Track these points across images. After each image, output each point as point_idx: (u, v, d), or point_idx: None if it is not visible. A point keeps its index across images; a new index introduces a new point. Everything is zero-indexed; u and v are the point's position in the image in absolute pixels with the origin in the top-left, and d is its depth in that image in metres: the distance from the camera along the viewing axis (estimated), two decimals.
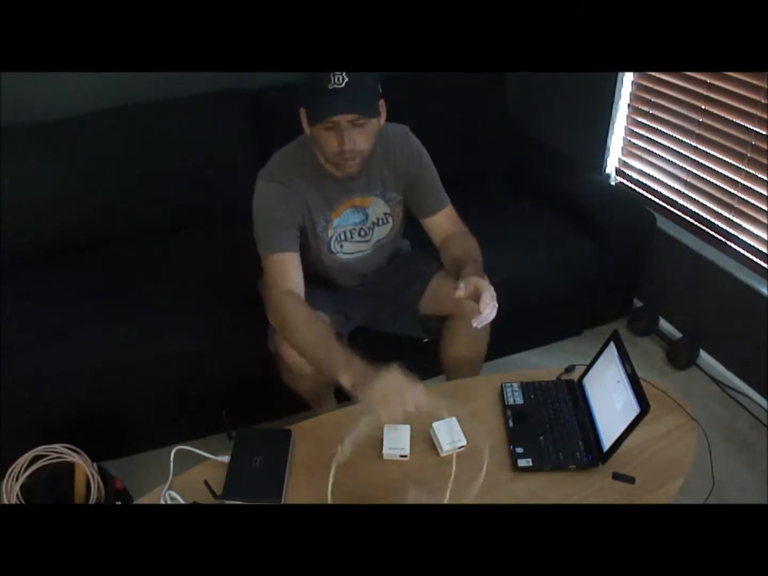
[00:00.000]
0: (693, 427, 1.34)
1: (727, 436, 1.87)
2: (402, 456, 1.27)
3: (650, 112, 2.13)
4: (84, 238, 1.99)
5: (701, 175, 2.01)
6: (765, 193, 1.80)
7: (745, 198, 1.88)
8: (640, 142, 2.22)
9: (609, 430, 1.25)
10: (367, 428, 1.12)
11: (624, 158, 2.32)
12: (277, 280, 1.37)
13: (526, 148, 2.44)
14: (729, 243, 1.97)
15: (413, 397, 1.10)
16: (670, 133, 2.07)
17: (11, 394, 1.56)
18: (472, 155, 2.32)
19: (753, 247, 1.90)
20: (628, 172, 2.32)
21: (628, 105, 2.23)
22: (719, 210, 1.98)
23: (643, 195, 2.26)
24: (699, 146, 1.98)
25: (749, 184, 1.85)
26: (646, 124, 2.17)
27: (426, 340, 1.70)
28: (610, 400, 1.28)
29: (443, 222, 1.53)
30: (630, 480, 1.22)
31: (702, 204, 2.04)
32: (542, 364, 2.11)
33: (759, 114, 1.76)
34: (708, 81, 1.88)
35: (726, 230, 1.97)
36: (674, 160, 2.09)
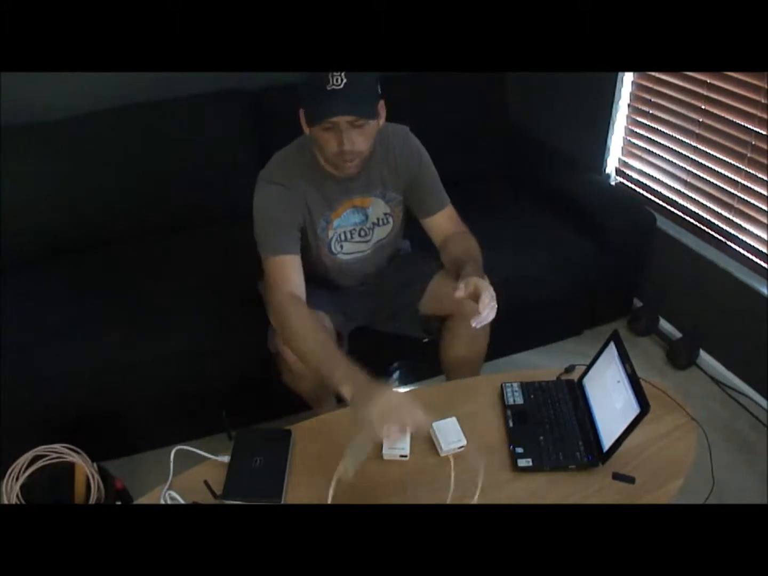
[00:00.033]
0: (693, 427, 1.34)
1: (727, 436, 1.87)
2: (402, 456, 1.27)
3: (650, 112, 2.13)
4: (84, 238, 1.99)
5: (701, 175, 2.01)
6: (765, 193, 1.80)
7: (745, 198, 1.88)
8: (640, 142, 2.22)
9: (609, 430, 1.25)
10: (368, 446, 1.13)
11: (624, 158, 2.32)
12: (279, 283, 1.37)
13: (526, 148, 2.44)
14: (729, 243, 1.97)
15: (412, 417, 1.11)
16: (670, 133, 2.07)
17: (11, 394, 1.57)
18: (472, 155, 2.32)
19: (753, 247, 1.90)
20: (628, 172, 2.32)
21: (628, 105, 2.23)
22: (719, 210, 1.98)
23: (643, 195, 2.26)
24: (699, 146, 1.98)
25: (749, 184, 1.85)
26: (646, 124, 2.17)
27: (426, 340, 1.70)
28: (610, 400, 1.28)
29: (443, 222, 1.54)
30: (630, 480, 1.22)
31: (702, 204, 2.04)
32: (542, 364, 2.11)
33: (759, 114, 1.76)
34: (708, 81, 1.88)
35: (726, 230, 1.97)
36: (674, 160, 2.09)
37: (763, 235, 1.85)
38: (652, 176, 2.21)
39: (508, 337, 1.79)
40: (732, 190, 1.91)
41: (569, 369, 1.48)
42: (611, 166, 2.39)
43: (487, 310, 1.27)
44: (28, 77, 1.83)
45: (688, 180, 2.06)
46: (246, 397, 1.79)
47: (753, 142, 1.80)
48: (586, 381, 1.40)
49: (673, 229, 2.14)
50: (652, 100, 2.11)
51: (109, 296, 1.81)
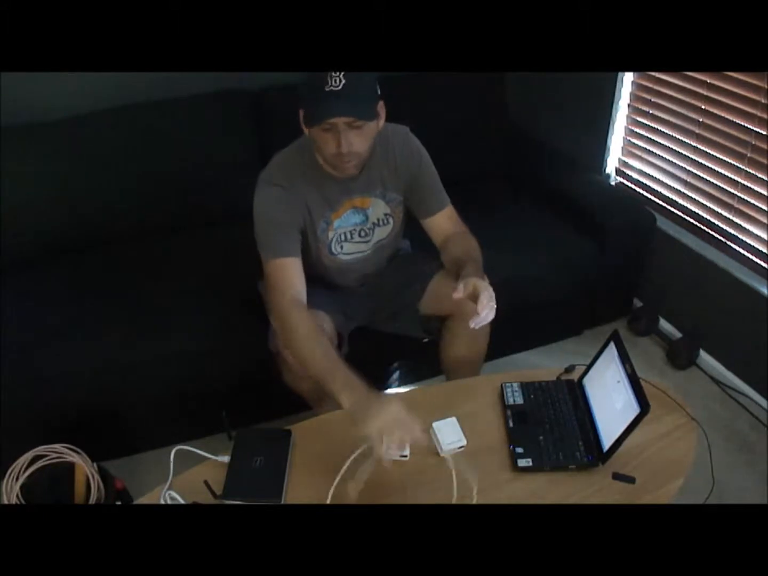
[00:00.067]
0: (693, 427, 1.34)
1: (727, 436, 1.87)
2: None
3: (650, 112, 2.13)
4: (84, 238, 1.99)
5: (701, 175, 2.01)
6: (765, 193, 1.80)
7: (745, 198, 1.88)
8: (640, 142, 2.22)
9: (609, 430, 1.25)
10: (370, 466, 1.13)
11: (624, 158, 2.32)
12: (280, 286, 1.37)
13: (526, 148, 2.44)
14: (729, 243, 1.97)
15: (411, 434, 1.11)
16: (670, 133, 2.07)
17: (11, 394, 1.56)
18: (472, 155, 2.32)
19: (753, 247, 1.90)
20: (628, 172, 2.32)
21: (628, 105, 2.23)
22: (719, 210, 1.98)
23: (643, 195, 2.26)
24: (699, 146, 1.98)
25: (749, 184, 1.85)
26: (646, 124, 2.17)
27: (426, 340, 1.70)
28: (610, 400, 1.28)
29: (443, 222, 1.54)
30: (630, 480, 1.22)
31: (702, 204, 2.04)
32: (542, 364, 2.11)
33: (759, 114, 1.76)
34: (708, 81, 1.88)
35: (726, 230, 1.97)
36: (674, 160, 2.09)
37: (763, 235, 1.85)
38: (652, 176, 2.21)
39: (508, 337, 1.80)
40: (732, 190, 1.91)
41: (569, 369, 1.48)
42: (611, 166, 2.38)
43: (486, 310, 1.27)
44: (28, 77, 1.83)
45: (688, 180, 2.06)
46: (246, 397, 1.79)
47: (753, 142, 1.80)
48: (586, 381, 1.40)
49: (673, 229, 2.14)
50: (652, 100, 2.11)
51: (109, 296, 1.81)
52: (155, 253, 1.99)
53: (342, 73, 1.20)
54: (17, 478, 1.39)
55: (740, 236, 1.93)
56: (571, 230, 2.08)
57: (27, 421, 1.64)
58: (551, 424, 1.33)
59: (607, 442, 1.24)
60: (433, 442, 1.29)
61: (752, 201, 1.86)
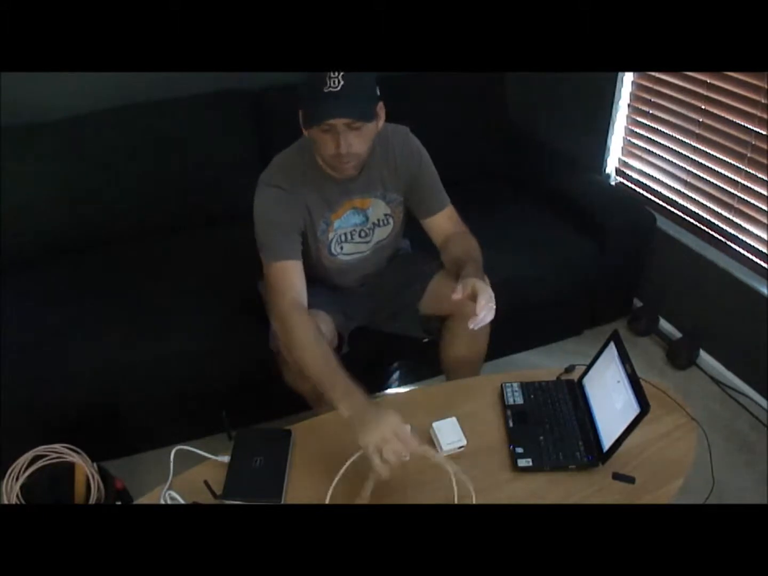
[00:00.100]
0: (693, 427, 1.34)
1: (727, 436, 1.87)
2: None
3: (650, 112, 2.13)
4: (84, 238, 1.99)
5: (701, 175, 2.01)
6: (765, 193, 1.80)
7: (745, 198, 1.88)
8: (640, 142, 2.22)
9: (609, 430, 1.25)
10: (372, 480, 1.14)
11: (624, 158, 2.32)
12: (282, 290, 1.37)
13: (526, 148, 2.44)
14: (729, 243, 1.97)
15: (408, 445, 1.12)
16: (670, 133, 2.07)
17: (11, 394, 1.56)
18: (472, 155, 2.32)
19: (753, 247, 1.90)
20: (628, 172, 2.32)
21: (628, 105, 2.23)
22: (719, 210, 1.98)
23: (643, 195, 2.26)
24: (699, 146, 1.98)
25: (749, 184, 1.85)
26: (646, 124, 2.17)
27: (426, 340, 1.71)
28: (610, 400, 1.28)
29: (443, 222, 1.53)
30: (630, 480, 1.22)
31: (702, 204, 2.04)
32: (542, 364, 2.11)
33: (759, 114, 1.76)
34: (708, 81, 1.88)
35: (726, 230, 1.97)
36: (674, 160, 2.09)
37: (763, 235, 1.85)
38: (652, 176, 2.21)
39: (508, 337, 1.80)
40: (732, 190, 1.91)
41: (569, 369, 1.48)
42: (611, 166, 2.39)
43: (484, 311, 1.27)
44: (28, 77, 1.83)
45: (688, 180, 2.06)
46: (246, 397, 1.79)
47: (753, 142, 1.80)
48: (586, 381, 1.40)
49: (673, 229, 2.14)
50: (652, 100, 2.11)
51: (109, 296, 1.81)
52: (155, 253, 1.99)
53: (341, 74, 1.19)
54: (17, 478, 1.39)
55: (740, 236, 1.93)
56: (571, 230, 2.08)
57: (27, 421, 1.64)
58: (551, 424, 1.33)
59: (607, 442, 1.24)
60: (433, 442, 1.29)
61: (752, 201, 1.86)
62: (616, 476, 1.23)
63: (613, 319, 2.29)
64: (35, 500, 1.40)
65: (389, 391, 2.02)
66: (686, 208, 2.10)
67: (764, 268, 1.87)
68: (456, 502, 1.14)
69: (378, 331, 1.72)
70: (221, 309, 1.76)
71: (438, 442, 1.28)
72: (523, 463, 1.25)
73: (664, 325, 2.25)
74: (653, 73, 2.08)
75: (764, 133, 1.75)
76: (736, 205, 1.91)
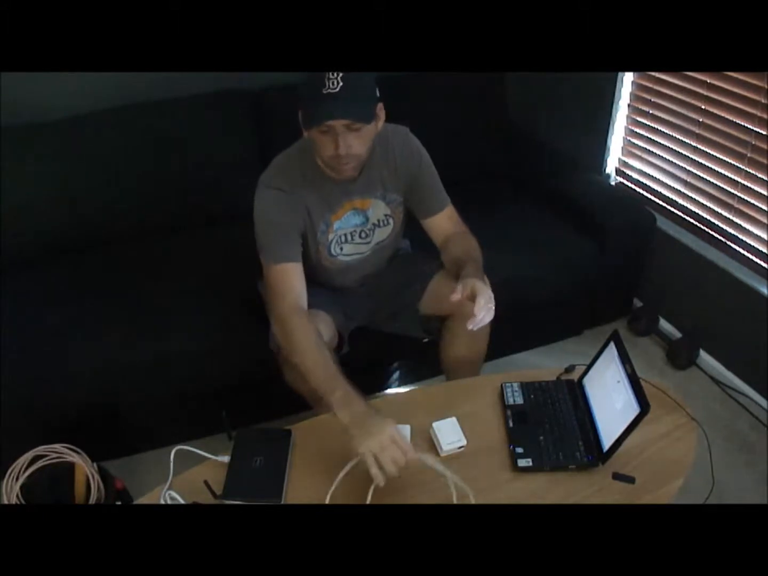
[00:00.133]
0: (693, 427, 1.34)
1: (727, 436, 1.87)
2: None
3: (650, 112, 2.13)
4: (84, 238, 1.99)
5: (701, 175, 2.01)
6: (765, 193, 1.81)
7: (745, 198, 1.88)
8: (640, 142, 2.22)
9: (609, 430, 1.25)
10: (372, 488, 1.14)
11: (624, 158, 2.32)
12: (282, 292, 1.37)
13: (526, 148, 2.44)
14: (729, 243, 1.97)
15: (405, 453, 1.12)
16: (670, 133, 2.07)
17: (11, 394, 1.56)
18: (472, 155, 2.32)
19: (753, 247, 1.90)
20: (628, 172, 2.32)
21: (628, 105, 2.23)
22: (719, 210, 1.98)
23: (643, 195, 2.26)
24: (699, 146, 1.98)
25: (749, 184, 1.85)
26: (646, 124, 2.17)
27: (426, 340, 1.70)
28: (610, 400, 1.28)
29: (444, 222, 1.53)
30: (630, 480, 1.22)
31: (702, 204, 2.04)
32: (542, 364, 2.11)
33: (759, 114, 1.76)
34: (708, 81, 1.88)
35: (726, 230, 1.97)
36: (674, 160, 2.09)
37: (763, 235, 1.85)
38: (652, 176, 2.21)
39: (508, 337, 1.80)
40: (732, 190, 1.91)
41: (569, 369, 1.48)
42: (611, 166, 2.39)
43: (483, 312, 1.27)
44: (28, 77, 1.83)
45: (688, 180, 2.06)
46: (246, 397, 1.79)
47: (753, 142, 1.80)
48: (586, 381, 1.40)
49: (673, 229, 2.14)
50: (652, 100, 2.11)
51: (109, 296, 1.81)
52: (155, 253, 1.99)
53: (340, 75, 1.19)
54: (17, 478, 1.39)
55: (740, 236, 1.93)
56: (571, 230, 2.08)
57: (27, 421, 1.64)
58: (551, 424, 1.33)
59: (607, 442, 1.24)
60: (434, 442, 1.29)
61: (752, 201, 1.86)
62: (616, 476, 1.23)
63: (613, 319, 2.29)
64: (35, 500, 1.40)
65: (389, 391, 2.02)
66: (686, 208, 2.10)
67: (764, 268, 1.87)
68: (456, 502, 1.14)
69: (378, 331, 1.72)
70: (221, 309, 1.75)
71: (438, 442, 1.28)
72: (523, 463, 1.25)
73: (664, 325, 2.25)
74: (653, 73, 2.08)
75: (764, 133, 1.76)
76: (736, 205, 1.91)
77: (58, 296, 1.81)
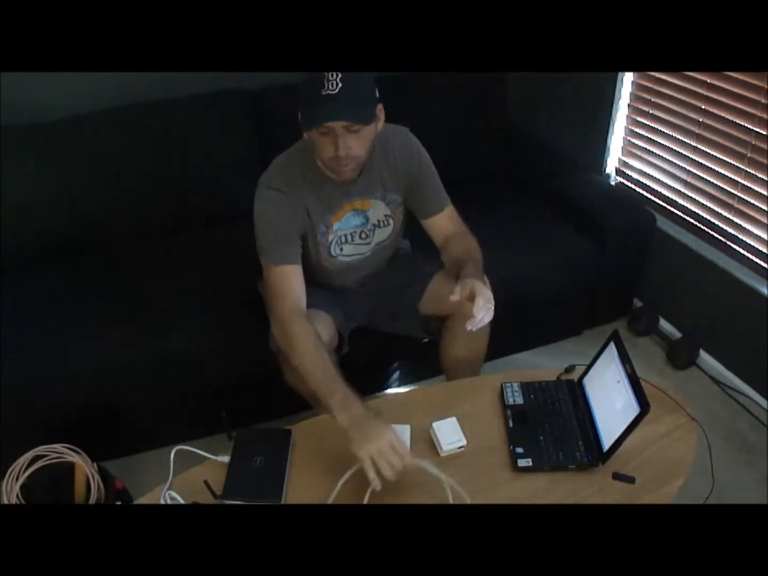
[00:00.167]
0: (693, 427, 1.34)
1: (727, 436, 1.87)
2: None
3: (650, 112, 2.13)
4: (84, 238, 1.99)
5: (701, 175, 2.01)
6: (765, 193, 1.81)
7: (745, 198, 1.88)
8: (640, 142, 2.22)
9: (609, 430, 1.25)
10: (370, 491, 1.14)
11: (624, 158, 2.32)
12: (281, 294, 1.37)
13: (526, 148, 2.44)
14: (729, 243, 1.97)
15: (403, 458, 1.13)
16: (670, 133, 2.07)
17: (11, 394, 1.56)
18: (473, 155, 2.32)
19: (753, 247, 1.90)
20: (628, 172, 2.32)
21: (628, 105, 2.23)
22: (719, 210, 1.98)
23: (643, 195, 2.26)
24: (699, 146, 1.98)
25: (749, 184, 1.85)
26: (646, 124, 2.17)
27: (426, 340, 1.70)
28: (610, 400, 1.28)
29: (444, 222, 1.53)
30: (630, 480, 1.22)
31: (702, 204, 2.04)
32: (542, 364, 2.11)
33: (759, 114, 1.76)
34: (708, 81, 1.88)
35: (726, 230, 1.97)
36: (674, 160, 2.09)
37: (763, 235, 1.85)
38: (652, 176, 2.21)
39: (508, 337, 1.80)
40: (732, 190, 1.91)
41: (569, 369, 1.48)
42: (611, 166, 2.39)
43: (482, 312, 1.27)
44: (28, 77, 1.83)
45: (688, 180, 2.06)
46: (246, 397, 1.79)
47: (753, 142, 1.80)
48: (586, 381, 1.40)
49: (673, 229, 2.14)
50: (652, 100, 2.11)
51: (109, 296, 1.81)
52: (155, 253, 1.99)
53: (339, 76, 1.19)
54: (17, 478, 1.39)
55: (740, 236, 1.93)
56: (571, 230, 2.08)
57: (27, 421, 1.64)
58: (551, 424, 1.33)
59: (607, 442, 1.24)
60: (433, 442, 1.29)
61: (752, 201, 1.86)
62: (616, 476, 1.23)
63: (613, 319, 2.29)
64: (35, 500, 1.40)
65: (389, 391, 2.02)
66: (686, 208, 2.10)
67: (764, 268, 1.87)
68: (452, 502, 1.14)
69: (378, 331, 1.72)
70: (221, 309, 1.75)
71: (438, 442, 1.28)
72: (523, 463, 1.25)
73: (664, 325, 2.25)
74: (653, 73, 2.08)
75: (764, 133, 1.75)
76: (736, 205, 1.91)
77: (58, 296, 1.81)
